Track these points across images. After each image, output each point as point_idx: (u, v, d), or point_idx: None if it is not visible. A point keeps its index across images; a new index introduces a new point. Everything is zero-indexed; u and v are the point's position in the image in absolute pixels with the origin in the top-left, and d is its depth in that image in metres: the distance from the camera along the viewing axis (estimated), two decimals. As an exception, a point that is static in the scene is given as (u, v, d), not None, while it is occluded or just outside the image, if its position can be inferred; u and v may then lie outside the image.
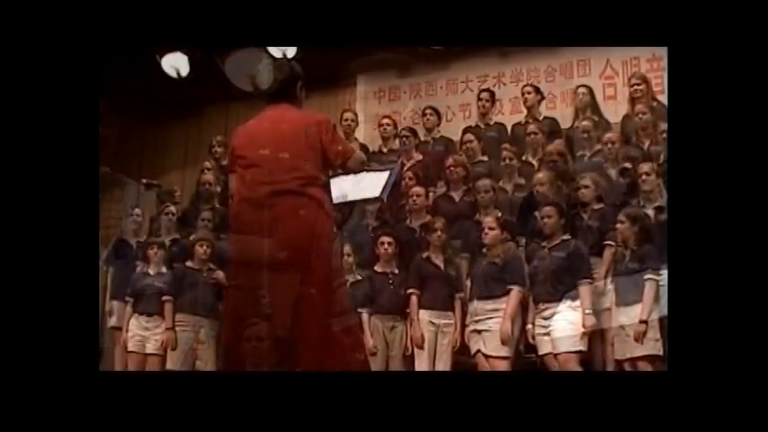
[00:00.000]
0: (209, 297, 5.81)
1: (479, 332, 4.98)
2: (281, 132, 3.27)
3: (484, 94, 7.12)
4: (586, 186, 5.23)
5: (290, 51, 7.62)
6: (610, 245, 5.03)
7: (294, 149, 3.23)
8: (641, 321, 4.54)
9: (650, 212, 5.01)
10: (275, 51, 7.52)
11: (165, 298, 5.87)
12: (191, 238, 6.22)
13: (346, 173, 3.38)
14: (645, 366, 4.52)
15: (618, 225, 4.81)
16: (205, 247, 5.85)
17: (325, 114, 3.56)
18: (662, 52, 6.83)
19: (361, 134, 7.73)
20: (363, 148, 6.98)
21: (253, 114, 3.59)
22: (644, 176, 5.09)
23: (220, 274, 5.58)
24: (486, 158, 6.42)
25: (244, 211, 3.25)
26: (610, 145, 5.69)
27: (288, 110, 3.38)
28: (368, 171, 4.20)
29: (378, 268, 5.51)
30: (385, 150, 7.03)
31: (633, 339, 4.56)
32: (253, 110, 3.65)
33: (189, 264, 5.94)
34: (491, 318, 4.94)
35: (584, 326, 4.72)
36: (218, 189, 6.83)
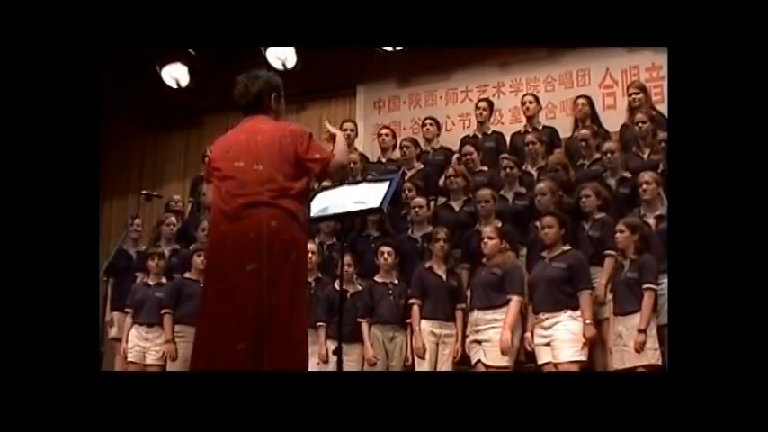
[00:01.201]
0: None
1: (480, 342, 4.96)
2: (255, 144, 3.27)
3: (481, 103, 7.14)
4: (588, 196, 5.23)
5: (290, 61, 7.67)
6: (610, 254, 5.03)
7: (268, 161, 3.23)
8: (640, 331, 4.54)
9: (651, 221, 5.02)
10: (275, 61, 7.58)
11: (164, 311, 5.85)
12: (190, 248, 6.22)
13: (331, 180, 3.37)
14: (644, 376, 4.51)
15: (617, 234, 4.81)
16: (203, 258, 5.84)
17: (301, 125, 3.54)
18: (661, 61, 6.85)
19: (360, 144, 7.74)
20: (363, 158, 7.00)
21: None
22: (644, 185, 5.10)
23: None
24: (485, 168, 6.43)
25: (219, 223, 3.26)
26: (609, 154, 5.69)
27: (264, 121, 3.37)
28: (368, 182, 4.20)
29: (378, 278, 5.51)
30: (384, 161, 7.04)
31: (633, 349, 4.55)
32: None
33: (187, 275, 5.93)
34: (491, 328, 4.93)
35: (584, 336, 4.73)
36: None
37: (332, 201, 3.67)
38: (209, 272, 3.32)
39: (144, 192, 6.57)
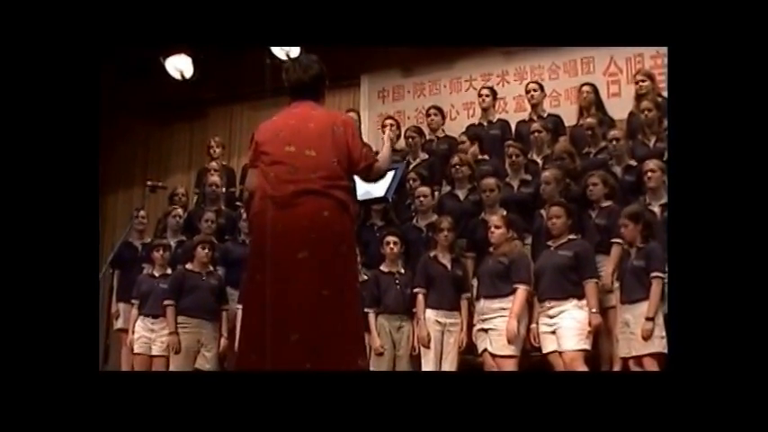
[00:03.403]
0: (209, 299, 5.80)
1: (486, 331, 4.97)
2: (307, 130, 3.21)
3: (484, 91, 7.11)
4: (595, 184, 5.22)
5: (294, 51, 7.65)
6: (617, 243, 5.01)
7: (320, 147, 3.17)
8: (648, 319, 4.52)
9: (656, 210, 5.00)
10: (278, 51, 7.57)
11: (166, 302, 5.81)
12: (194, 239, 6.22)
13: (365, 179, 3.34)
14: (650, 364, 4.49)
15: (622, 229, 4.78)
16: (207, 250, 5.83)
17: (349, 116, 3.48)
18: (665, 49, 6.82)
19: (365, 135, 7.73)
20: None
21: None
22: (649, 173, 5.08)
23: None
24: (486, 157, 6.42)
25: (266, 208, 3.16)
26: (614, 142, 5.68)
27: (313, 107, 3.33)
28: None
29: (384, 268, 5.51)
30: (388, 151, 7.02)
31: (640, 337, 4.53)
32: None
33: (189, 266, 5.90)
34: (498, 316, 4.93)
35: (590, 324, 4.72)
36: (224, 190, 6.86)
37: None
38: (256, 258, 3.22)
39: (149, 182, 6.57)
